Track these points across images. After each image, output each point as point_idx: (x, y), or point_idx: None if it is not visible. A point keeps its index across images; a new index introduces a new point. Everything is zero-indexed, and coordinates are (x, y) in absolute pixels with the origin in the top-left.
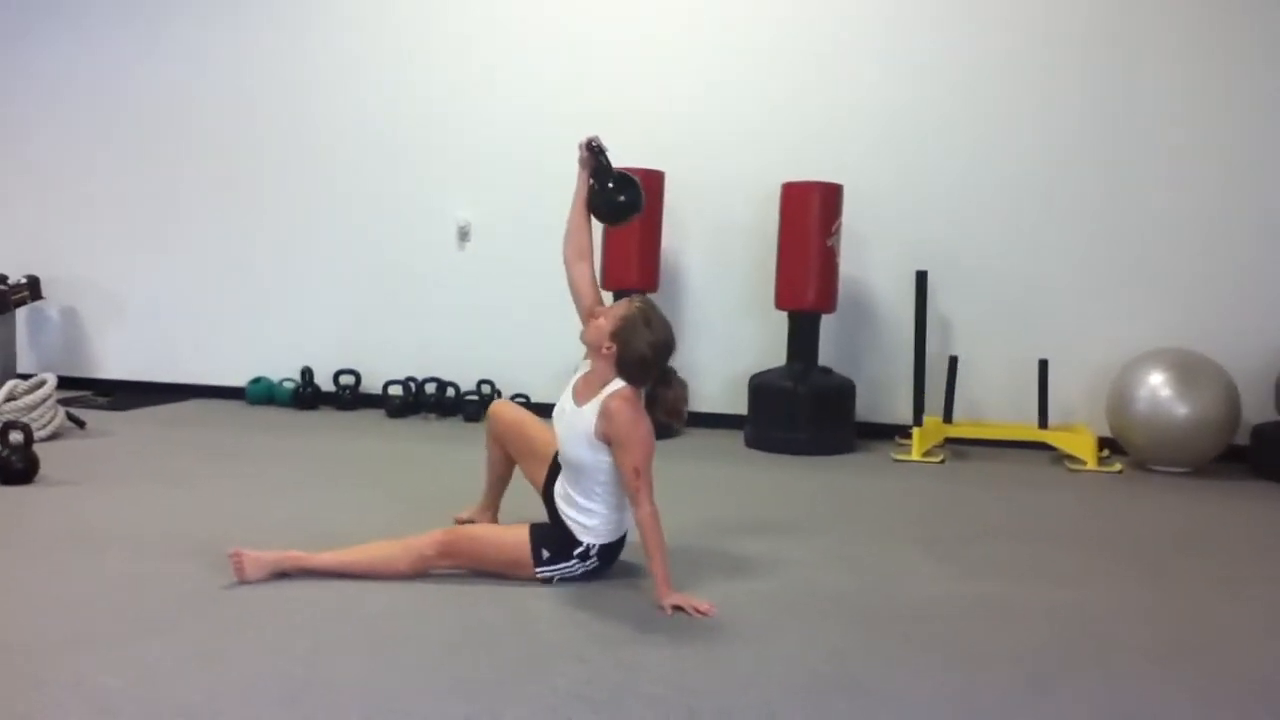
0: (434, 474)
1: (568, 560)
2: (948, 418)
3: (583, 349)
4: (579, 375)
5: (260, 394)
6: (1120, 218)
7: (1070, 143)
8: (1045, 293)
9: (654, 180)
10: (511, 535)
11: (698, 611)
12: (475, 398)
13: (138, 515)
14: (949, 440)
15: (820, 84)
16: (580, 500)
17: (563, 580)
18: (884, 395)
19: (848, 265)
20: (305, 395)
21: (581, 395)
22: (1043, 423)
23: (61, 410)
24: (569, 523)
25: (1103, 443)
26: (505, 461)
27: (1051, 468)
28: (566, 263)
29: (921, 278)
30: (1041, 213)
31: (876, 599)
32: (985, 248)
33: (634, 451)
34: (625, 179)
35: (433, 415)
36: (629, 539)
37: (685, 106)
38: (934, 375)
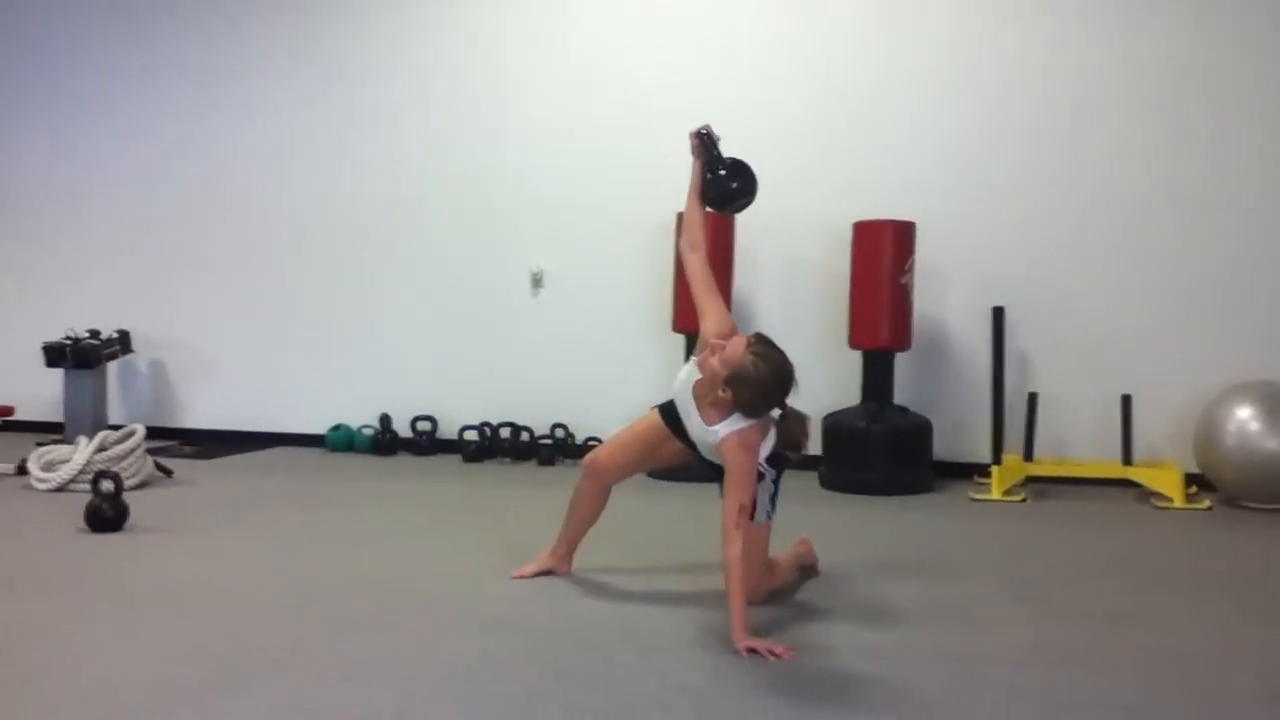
0: (510, 518)
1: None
2: (1028, 455)
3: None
4: (697, 378)
5: (340, 441)
6: (1203, 247)
7: (1149, 172)
8: (1127, 326)
9: (723, 223)
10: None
11: (773, 654)
12: (549, 441)
13: (224, 564)
14: (1030, 479)
15: (892, 120)
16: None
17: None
18: (962, 434)
19: (922, 302)
20: (384, 442)
21: (703, 405)
22: (1127, 459)
23: (150, 460)
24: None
25: (1190, 479)
26: (596, 514)
27: (1137, 506)
28: (681, 254)
29: (998, 313)
30: (1120, 244)
31: (965, 645)
32: (1063, 282)
33: (743, 489)
34: (738, 165)
35: (508, 460)
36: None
37: (754, 147)
38: (1013, 412)
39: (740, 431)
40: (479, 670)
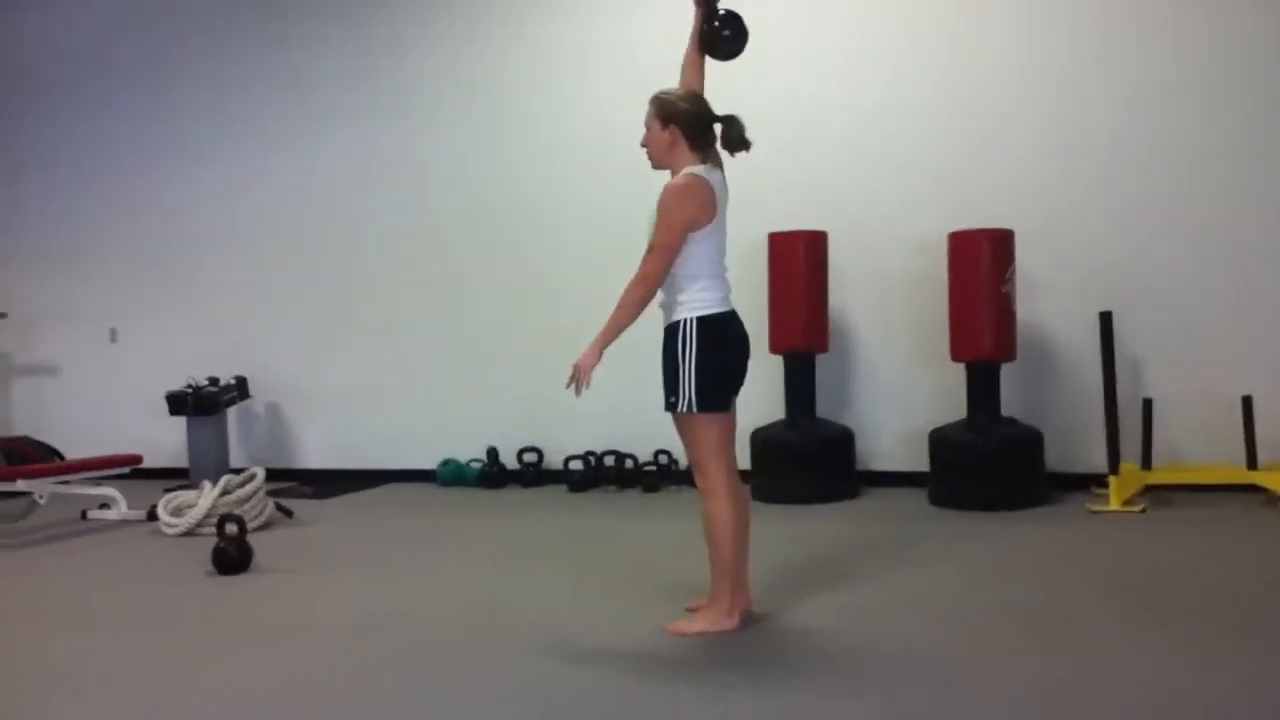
0: (618, 548)
1: (675, 381)
2: (1146, 464)
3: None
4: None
5: (450, 475)
6: None
7: (1261, 157)
8: (1243, 324)
9: (816, 240)
10: None
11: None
12: (653, 468)
13: (345, 601)
14: (1149, 487)
15: (984, 126)
16: (665, 290)
17: (699, 405)
18: (1075, 443)
19: (1025, 310)
20: (492, 474)
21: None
22: (1251, 463)
23: (271, 502)
24: (668, 321)
25: None
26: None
27: (1265, 511)
28: None
29: (1106, 318)
30: (1229, 238)
31: (1096, 678)
32: (1172, 281)
33: (659, 224)
34: (731, 17)
35: (613, 488)
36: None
37: (842, 162)
38: (1128, 419)
39: (678, 175)
40: (565, 698)
